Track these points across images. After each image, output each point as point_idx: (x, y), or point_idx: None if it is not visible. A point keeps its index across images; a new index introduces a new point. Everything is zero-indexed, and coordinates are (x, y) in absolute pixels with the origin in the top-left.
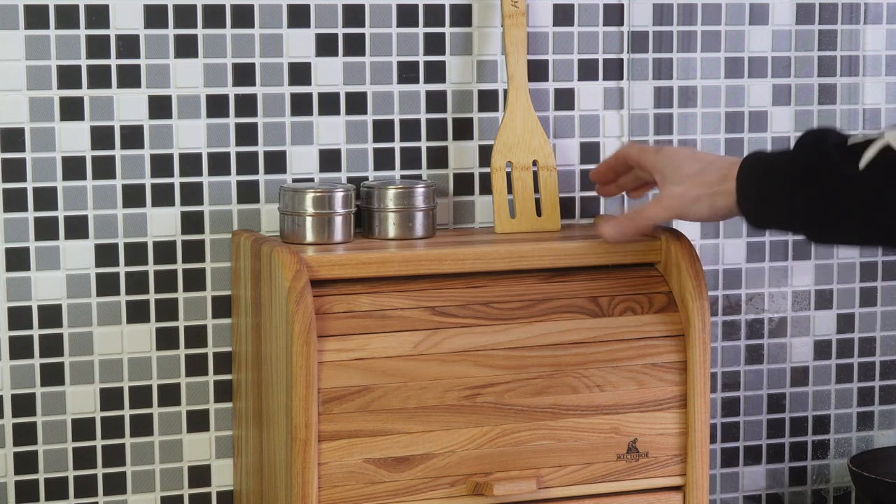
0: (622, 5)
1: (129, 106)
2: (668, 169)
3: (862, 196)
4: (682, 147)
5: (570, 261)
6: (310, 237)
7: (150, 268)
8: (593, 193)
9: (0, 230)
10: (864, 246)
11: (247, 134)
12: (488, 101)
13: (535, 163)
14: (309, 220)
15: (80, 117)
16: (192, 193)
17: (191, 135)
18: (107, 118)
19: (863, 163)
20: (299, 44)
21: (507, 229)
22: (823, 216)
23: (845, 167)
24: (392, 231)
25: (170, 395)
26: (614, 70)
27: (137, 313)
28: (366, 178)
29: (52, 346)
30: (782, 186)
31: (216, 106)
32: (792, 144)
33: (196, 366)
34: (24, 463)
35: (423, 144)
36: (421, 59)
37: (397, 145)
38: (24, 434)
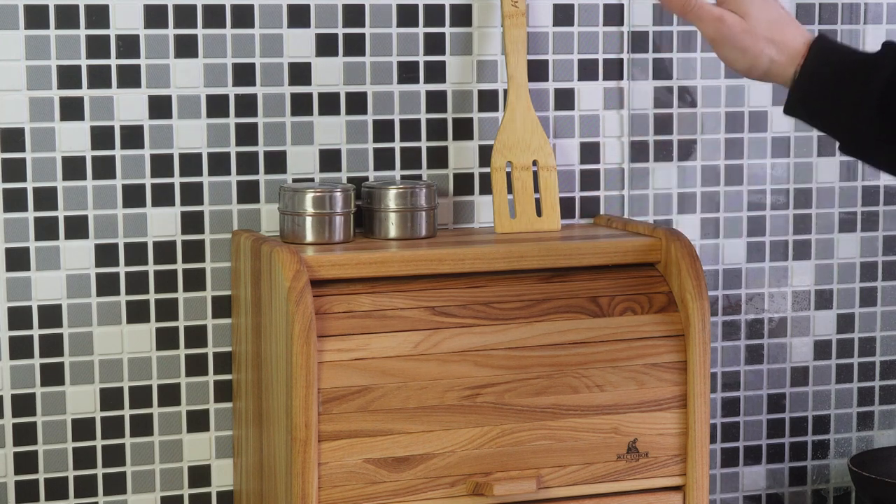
0: (622, 5)
1: (129, 106)
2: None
3: None
4: None
5: (570, 261)
6: (310, 237)
7: (150, 268)
8: (593, 193)
9: (0, 230)
10: None
11: (247, 134)
12: (488, 101)
13: (535, 163)
14: (309, 220)
15: (80, 117)
16: (192, 193)
17: (191, 135)
18: (107, 118)
19: None
20: (299, 44)
21: (507, 229)
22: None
23: None
24: (393, 231)
25: (170, 395)
26: (614, 70)
27: (137, 313)
28: (366, 178)
29: (52, 346)
30: (856, 92)
31: (216, 106)
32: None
33: (196, 366)
34: (24, 463)
35: (423, 144)
36: (421, 59)
37: (397, 145)
38: (24, 434)
